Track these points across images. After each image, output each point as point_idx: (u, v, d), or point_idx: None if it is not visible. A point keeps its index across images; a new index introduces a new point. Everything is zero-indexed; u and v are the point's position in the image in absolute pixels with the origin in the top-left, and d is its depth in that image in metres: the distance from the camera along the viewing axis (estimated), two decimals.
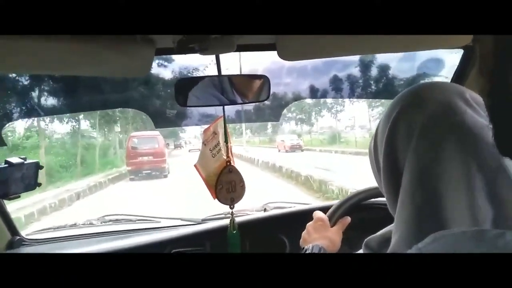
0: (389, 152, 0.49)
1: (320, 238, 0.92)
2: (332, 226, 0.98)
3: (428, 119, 0.45)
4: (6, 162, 0.92)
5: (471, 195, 0.41)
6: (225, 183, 1.03)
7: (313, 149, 18.25)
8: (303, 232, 0.98)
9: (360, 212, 1.08)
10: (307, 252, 0.88)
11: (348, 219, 1.00)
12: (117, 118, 13.51)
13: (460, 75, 1.01)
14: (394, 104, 0.50)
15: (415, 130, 0.45)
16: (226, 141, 1.05)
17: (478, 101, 0.47)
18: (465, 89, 0.48)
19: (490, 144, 0.41)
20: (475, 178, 0.41)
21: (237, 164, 1.10)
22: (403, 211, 0.45)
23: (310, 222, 0.98)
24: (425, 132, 0.45)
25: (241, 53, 0.95)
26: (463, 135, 0.43)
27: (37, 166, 0.99)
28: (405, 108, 0.48)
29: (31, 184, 0.97)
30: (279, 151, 18.63)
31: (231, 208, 1.08)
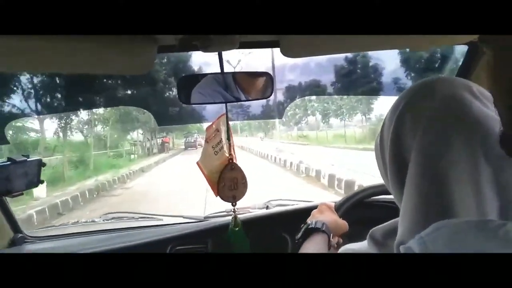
0: (395, 143, 0.49)
1: (325, 217, 0.89)
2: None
3: (434, 111, 0.45)
4: (9, 159, 0.92)
5: (477, 184, 0.41)
6: (228, 181, 1.03)
7: None
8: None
9: (365, 208, 1.07)
10: (310, 226, 0.84)
11: (340, 240, 0.92)
12: None
13: (464, 71, 1.00)
14: (401, 97, 0.51)
15: (422, 121, 0.46)
16: (228, 138, 1.05)
17: (485, 94, 0.47)
18: (471, 83, 0.49)
19: (497, 134, 0.41)
20: (482, 167, 0.41)
21: None
22: (409, 201, 0.45)
23: (315, 209, 0.95)
24: (432, 123, 0.45)
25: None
26: (470, 126, 0.43)
27: (40, 164, 1.00)
28: (412, 100, 0.49)
29: (34, 181, 0.97)
30: None
31: (233, 206, 1.08)
